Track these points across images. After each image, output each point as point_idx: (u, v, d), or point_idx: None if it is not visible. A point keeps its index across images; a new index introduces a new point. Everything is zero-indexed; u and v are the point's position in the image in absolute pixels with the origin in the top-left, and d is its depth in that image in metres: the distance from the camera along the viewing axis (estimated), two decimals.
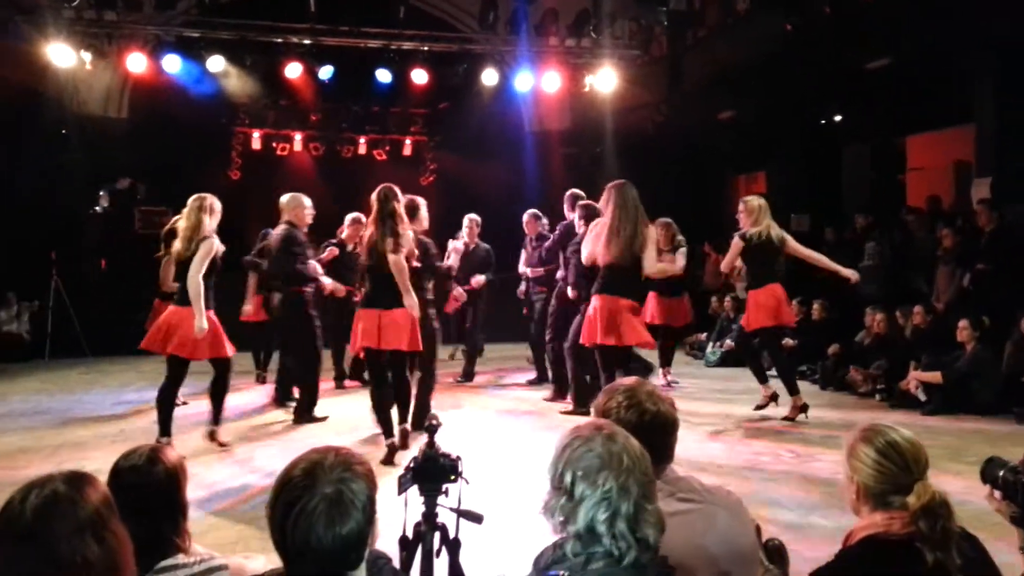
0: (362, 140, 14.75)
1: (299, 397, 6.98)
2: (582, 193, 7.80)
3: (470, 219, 9.03)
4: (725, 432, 6.68)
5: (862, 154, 13.08)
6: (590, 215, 6.96)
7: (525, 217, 8.74)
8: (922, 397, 7.41)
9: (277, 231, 6.86)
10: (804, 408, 6.87)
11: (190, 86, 11.68)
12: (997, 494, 2.06)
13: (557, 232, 7.81)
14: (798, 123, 12.46)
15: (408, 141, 14.98)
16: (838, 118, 12.81)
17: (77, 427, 6.87)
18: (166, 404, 5.85)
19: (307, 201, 6.94)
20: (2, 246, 10.76)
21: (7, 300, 10.95)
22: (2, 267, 10.85)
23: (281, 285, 7.04)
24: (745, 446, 6.21)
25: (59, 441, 6.34)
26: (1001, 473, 2.06)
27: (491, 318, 9.32)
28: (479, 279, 8.71)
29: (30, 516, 1.50)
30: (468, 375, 9.08)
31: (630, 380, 2.36)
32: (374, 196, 5.73)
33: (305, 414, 6.79)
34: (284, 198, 6.97)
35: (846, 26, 9.90)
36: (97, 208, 12.30)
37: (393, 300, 5.63)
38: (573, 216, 7.45)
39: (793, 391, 6.91)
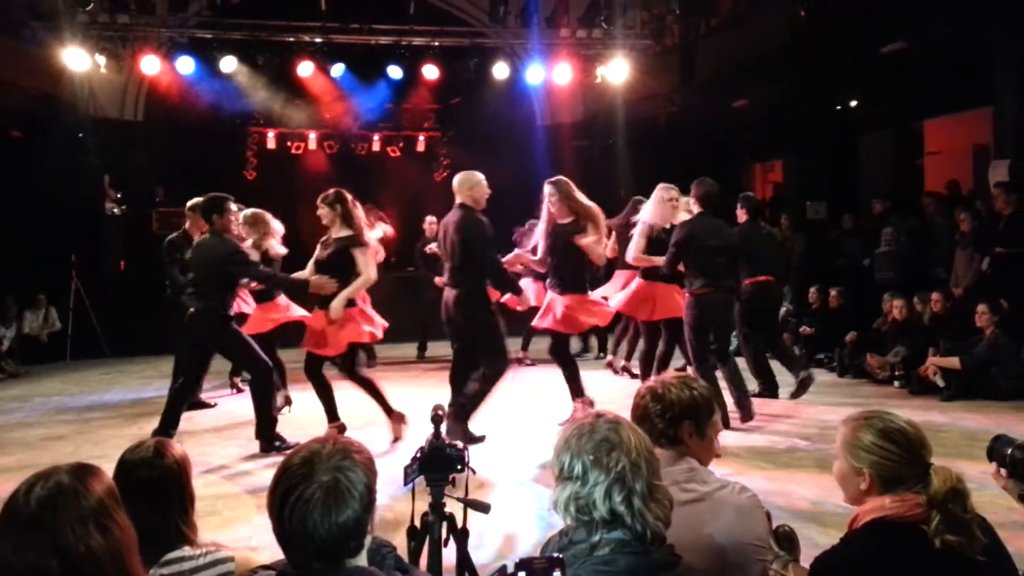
0: (376, 137, 14.77)
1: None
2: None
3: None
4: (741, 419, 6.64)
5: (880, 140, 12.95)
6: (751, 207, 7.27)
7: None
8: (940, 383, 7.35)
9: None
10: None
11: (204, 87, 11.77)
12: (1004, 472, 2.03)
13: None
14: (814, 110, 12.35)
15: (421, 137, 14.99)
16: (854, 104, 12.68)
17: (97, 425, 6.96)
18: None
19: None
20: (24, 249, 10.90)
21: (37, 301, 11.10)
22: (24, 270, 10.99)
23: None
24: (761, 434, 6.18)
25: (79, 439, 6.43)
26: (1009, 451, 2.03)
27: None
28: None
29: (35, 506, 1.53)
30: None
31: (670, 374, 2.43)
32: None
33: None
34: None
35: (860, 10, 9.80)
36: (116, 211, 12.43)
37: None
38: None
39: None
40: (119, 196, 12.50)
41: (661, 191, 6.75)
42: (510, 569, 1.34)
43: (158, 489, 2.07)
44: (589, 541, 1.74)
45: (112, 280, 12.12)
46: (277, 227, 6.99)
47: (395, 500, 4.18)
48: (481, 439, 5.91)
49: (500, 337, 5.90)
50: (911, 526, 1.93)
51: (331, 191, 6.07)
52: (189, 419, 7.04)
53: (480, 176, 6.04)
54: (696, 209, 6.41)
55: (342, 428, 6.03)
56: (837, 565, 2.00)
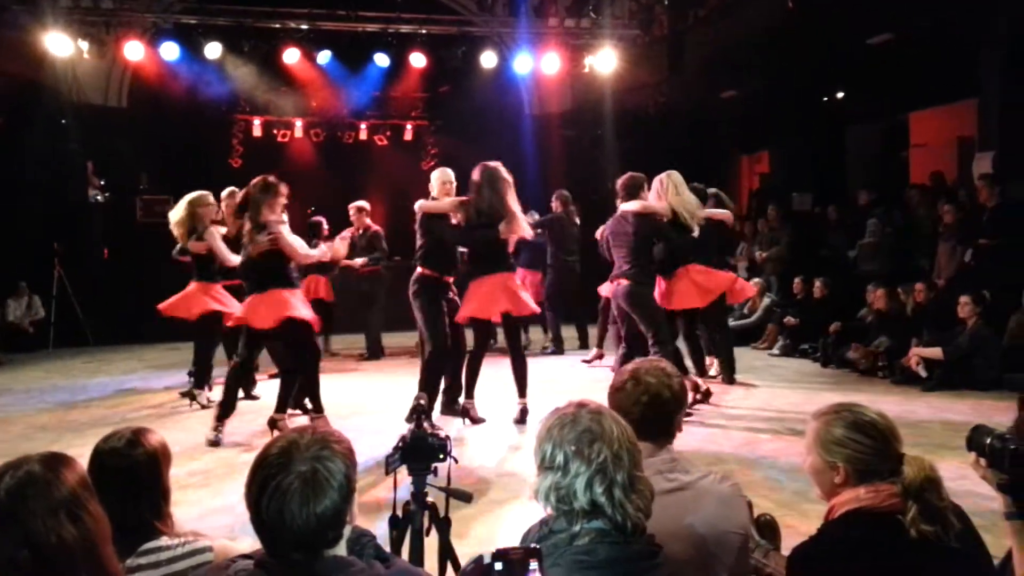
0: (363, 126, 14.69)
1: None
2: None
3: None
4: (724, 410, 6.68)
5: (866, 131, 12.99)
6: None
7: None
8: (923, 373, 7.40)
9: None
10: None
11: (189, 73, 11.67)
12: (983, 462, 2.05)
13: None
14: (801, 101, 12.37)
15: (409, 126, 14.92)
16: (841, 95, 12.72)
17: (79, 414, 6.91)
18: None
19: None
20: (6, 237, 10.80)
21: (19, 290, 11.00)
22: (7, 258, 10.89)
23: None
24: (743, 423, 6.21)
25: (61, 428, 6.39)
26: (988, 441, 2.05)
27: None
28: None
29: (4, 497, 1.51)
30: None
31: (640, 360, 2.39)
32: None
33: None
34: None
35: (847, 2, 9.81)
36: (100, 198, 12.33)
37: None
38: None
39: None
40: (103, 183, 12.39)
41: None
42: (487, 560, 1.34)
43: (128, 480, 2.04)
44: (569, 531, 1.74)
45: (95, 268, 12.03)
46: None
47: (377, 489, 4.17)
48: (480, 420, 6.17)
49: (431, 325, 6.11)
50: (886, 516, 1.94)
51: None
52: (175, 407, 7.04)
53: (435, 173, 6.44)
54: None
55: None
56: (813, 556, 2.01)
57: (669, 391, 2.25)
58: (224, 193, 7.27)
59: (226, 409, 5.86)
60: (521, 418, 6.15)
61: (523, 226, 6.17)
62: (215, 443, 5.71)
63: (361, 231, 9.36)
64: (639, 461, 1.80)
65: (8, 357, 10.11)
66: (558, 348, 9.84)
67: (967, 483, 2.67)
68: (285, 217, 6.35)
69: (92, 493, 1.61)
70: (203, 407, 6.84)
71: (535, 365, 6.97)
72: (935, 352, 7.37)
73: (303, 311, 5.81)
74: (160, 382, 8.34)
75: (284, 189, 5.93)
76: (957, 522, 1.96)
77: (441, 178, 6.41)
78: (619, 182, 6.64)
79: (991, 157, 8.85)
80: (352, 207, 9.45)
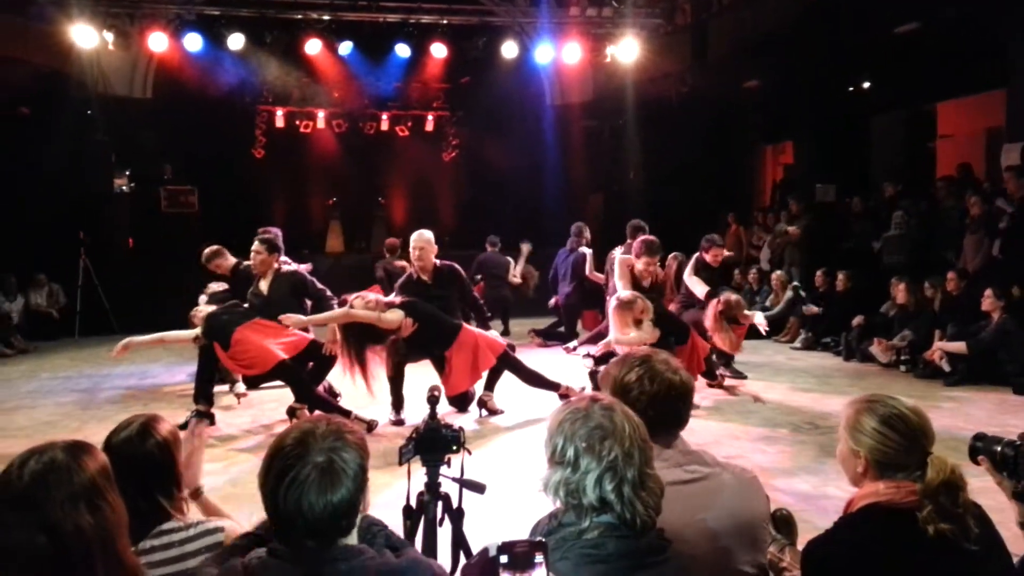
0: (384, 116, 14.73)
1: None
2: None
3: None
4: (744, 404, 6.64)
5: (892, 122, 12.81)
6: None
7: None
8: (947, 368, 7.31)
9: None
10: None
11: (212, 65, 11.75)
12: (992, 467, 2.02)
13: None
14: (826, 91, 12.22)
15: (430, 117, 14.93)
16: (867, 85, 12.55)
17: (104, 402, 7.02)
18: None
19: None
20: (31, 227, 10.94)
21: (38, 281, 11.14)
22: (32, 247, 11.03)
23: None
24: (762, 418, 6.18)
25: (85, 416, 6.49)
26: (999, 448, 2.02)
27: None
28: None
29: (27, 481, 1.53)
30: None
31: (643, 350, 2.36)
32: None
33: None
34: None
35: None
36: (125, 188, 12.46)
37: None
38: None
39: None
40: (127, 173, 12.52)
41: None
42: (492, 552, 1.35)
43: (140, 470, 2.06)
44: (579, 526, 1.74)
45: (121, 257, 12.17)
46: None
47: (392, 479, 4.20)
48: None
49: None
50: (905, 513, 1.92)
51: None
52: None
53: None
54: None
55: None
56: (829, 549, 2.00)
57: (679, 381, 2.23)
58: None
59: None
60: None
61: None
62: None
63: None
64: (650, 458, 1.79)
65: (34, 345, 10.26)
66: None
67: (989, 479, 2.63)
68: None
69: (112, 483, 1.63)
70: (237, 396, 6.94)
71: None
72: (958, 347, 7.27)
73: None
74: (184, 370, 8.41)
75: None
76: (976, 525, 1.93)
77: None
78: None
79: (1020, 148, 8.69)
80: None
